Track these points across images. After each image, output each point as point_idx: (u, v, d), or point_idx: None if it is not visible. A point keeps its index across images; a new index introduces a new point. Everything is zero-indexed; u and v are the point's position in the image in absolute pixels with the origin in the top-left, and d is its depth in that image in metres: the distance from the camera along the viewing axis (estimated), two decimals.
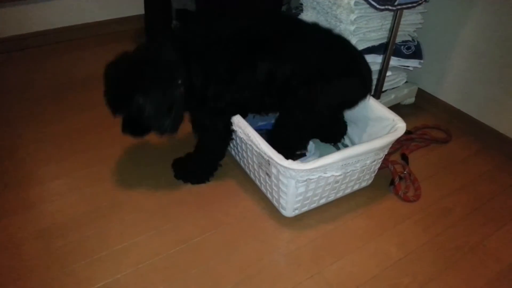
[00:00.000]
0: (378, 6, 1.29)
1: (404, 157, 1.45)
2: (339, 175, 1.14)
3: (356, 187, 1.30)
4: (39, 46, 2.06)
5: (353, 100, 1.26)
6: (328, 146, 1.45)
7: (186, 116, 1.18)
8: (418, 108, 1.76)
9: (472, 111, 1.62)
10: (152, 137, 1.22)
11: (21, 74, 1.86)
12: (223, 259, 1.10)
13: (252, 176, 1.32)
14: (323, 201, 1.24)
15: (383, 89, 1.60)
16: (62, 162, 1.37)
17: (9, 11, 1.96)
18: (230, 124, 1.23)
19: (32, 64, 1.93)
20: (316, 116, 1.19)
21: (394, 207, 1.29)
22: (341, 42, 1.25)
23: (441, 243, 1.18)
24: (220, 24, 1.18)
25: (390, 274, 1.09)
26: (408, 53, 1.58)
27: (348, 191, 1.29)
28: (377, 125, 1.30)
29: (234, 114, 1.22)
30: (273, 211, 1.24)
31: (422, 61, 1.61)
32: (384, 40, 1.48)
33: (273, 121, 1.30)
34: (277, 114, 1.27)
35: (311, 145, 1.40)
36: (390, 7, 1.30)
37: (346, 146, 1.46)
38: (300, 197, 1.15)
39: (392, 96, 1.67)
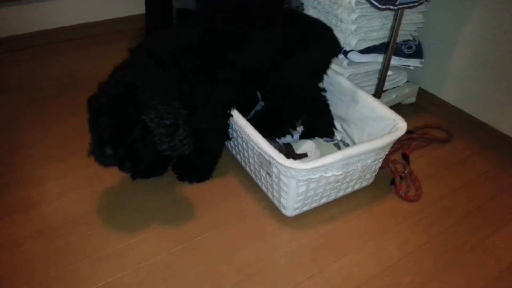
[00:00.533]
0: (379, 5, 1.29)
1: (405, 157, 1.44)
2: (340, 175, 1.14)
3: (357, 187, 1.30)
4: (40, 46, 2.06)
5: (324, 64, 1.35)
6: (329, 146, 1.45)
7: None
8: (419, 108, 1.76)
9: (473, 111, 1.62)
10: None
11: (22, 73, 1.86)
12: (224, 258, 1.10)
13: (253, 175, 1.32)
14: (324, 200, 1.24)
15: (384, 89, 1.60)
16: (63, 161, 1.37)
17: (11, 11, 1.96)
18: (227, 123, 1.25)
19: (33, 64, 1.93)
20: (296, 86, 1.28)
21: (394, 207, 1.28)
22: (297, 19, 1.31)
23: (441, 243, 1.18)
24: (186, 28, 1.16)
25: (391, 274, 1.09)
26: (409, 52, 1.58)
27: (349, 190, 1.29)
28: (378, 125, 1.30)
29: (227, 111, 1.23)
30: (274, 210, 1.24)
31: (423, 60, 1.61)
32: (385, 40, 1.48)
33: None
34: None
35: (311, 145, 1.40)
36: (391, 7, 1.30)
37: (347, 145, 1.46)
38: (301, 197, 1.15)
39: (393, 96, 1.67)
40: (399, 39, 1.54)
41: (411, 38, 1.59)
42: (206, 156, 1.31)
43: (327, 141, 1.46)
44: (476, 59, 1.55)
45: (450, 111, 1.68)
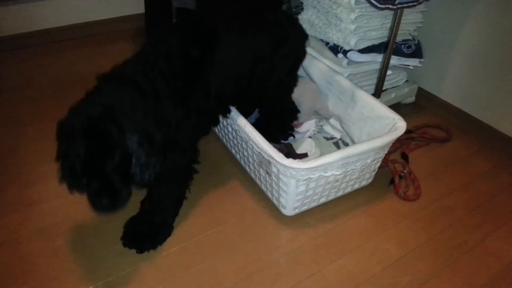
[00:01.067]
0: (378, 5, 1.29)
1: (404, 156, 1.45)
2: (340, 174, 1.14)
3: (356, 186, 1.30)
4: (40, 45, 2.06)
5: (301, 55, 1.35)
6: (329, 145, 1.45)
7: None
8: (418, 107, 1.76)
9: (472, 110, 1.62)
10: None
11: (22, 72, 1.86)
12: (223, 257, 1.10)
13: (252, 174, 1.32)
14: (323, 200, 1.24)
15: (384, 88, 1.60)
16: None
17: (11, 10, 1.95)
18: (194, 161, 1.16)
19: (33, 63, 1.93)
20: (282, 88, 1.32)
21: (394, 206, 1.29)
22: (262, 20, 1.24)
23: (441, 242, 1.18)
24: (151, 53, 1.04)
25: (390, 273, 1.09)
26: (408, 52, 1.58)
27: (348, 190, 1.29)
28: (377, 124, 1.30)
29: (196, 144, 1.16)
30: (273, 210, 1.24)
31: (422, 60, 1.61)
32: (385, 39, 1.48)
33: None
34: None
35: (311, 144, 1.41)
36: (390, 6, 1.30)
37: (346, 145, 1.46)
38: (300, 196, 1.15)
39: (393, 95, 1.67)
40: (399, 38, 1.54)
41: (410, 37, 1.59)
42: (164, 212, 1.14)
43: (327, 139, 1.46)
44: (475, 58, 1.55)
45: (450, 110, 1.68)
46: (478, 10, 1.49)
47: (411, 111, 1.73)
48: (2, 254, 1.07)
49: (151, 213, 1.11)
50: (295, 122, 1.44)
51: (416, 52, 1.59)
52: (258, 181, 1.30)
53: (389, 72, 1.54)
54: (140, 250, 1.09)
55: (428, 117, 1.70)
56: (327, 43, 1.57)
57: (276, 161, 1.06)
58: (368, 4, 1.31)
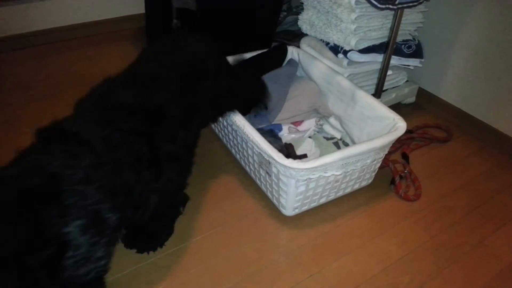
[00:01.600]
0: (379, 5, 1.29)
1: (405, 156, 1.44)
2: (340, 174, 1.14)
3: (356, 186, 1.30)
4: (39, 45, 2.06)
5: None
6: (329, 145, 1.45)
7: None
8: (419, 107, 1.76)
9: (472, 110, 1.62)
10: None
11: (22, 72, 1.86)
12: (223, 258, 1.10)
13: (252, 175, 1.32)
14: (323, 200, 1.24)
15: (384, 88, 1.60)
16: None
17: (11, 10, 1.96)
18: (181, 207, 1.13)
19: (32, 63, 1.93)
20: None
21: (394, 206, 1.29)
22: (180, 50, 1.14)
23: (441, 242, 1.18)
24: (109, 106, 0.90)
25: (390, 273, 1.09)
26: (408, 52, 1.58)
27: (349, 190, 1.29)
28: (377, 124, 1.30)
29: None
30: (273, 210, 1.24)
31: (422, 60, 1.61)
32: (385, 39, 1.48)
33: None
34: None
35: (311, 144, 1.41)
36: (391, 6, 1.30)
37: (346, 145, 1.46)
38: (300, 196, 1.15)
39: (393, 95, 1.67)
40: (399, 38, 1.54)
41: (411, 37, 1.58)
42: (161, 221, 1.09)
43: (327, 139, 1.46)
44: (476, 58, 1.55)
45: (450, 110, 1.68)
46: (478, 10, 1.49)
47: (412, 111, 1.73)
48: None
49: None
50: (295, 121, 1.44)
51: (417, 52, 1.59)
52: (258, 181, 1.30)
53: (389, 72, 1.54)
54: (140, 251, 1.09)
55: (428, 117, 1.70)
56: (327, 43, 1.57)
57: (276, 161, 1.06)
58: (369, 4, 1.31)
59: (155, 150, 0.90)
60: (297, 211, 1.21)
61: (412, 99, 1.77)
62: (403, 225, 1.22)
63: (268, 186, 1.23)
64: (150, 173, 0.88)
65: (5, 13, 1.95)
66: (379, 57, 1.50)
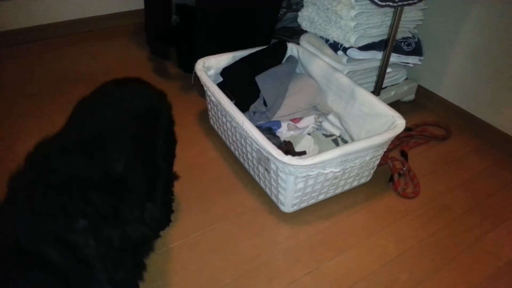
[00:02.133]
0: (379, 2, 1.28)
1: (404, 154, 1.45)
2: (338, 171, 1.14)
3: (355, 184, 1.30)
4: (38, 41, 2.05)
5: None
6: (328, 142, 1.45)
7: None
8: (418, 105, 1.76)
9: (471, 108, 1.62)
10: None
11: (21, 68, 1.85)
12: (222, 254, 1.10)
13: (251, 171, 1.32)
14: (322, 197, 1.24)
15: (383, 86, 1.60)
16: None
17: (9, 5, 1.95)
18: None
19: (32, 59, 1.93)
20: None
21: (393, 204, 1.29)
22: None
23: (439, 240, 1.18)
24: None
25: (388, 270, 1.09)
26: (408, 49, 1.57)
27: (347, 187, 1.29)
28: (376, 122, 1.30)
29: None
30: (272, 206, 1.24)
31: (422, 58, 1.61)
32: (385, 37, 1.48)
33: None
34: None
35: (310, 141, 1.40)
36: (391, 4, 1.30)
37: (345, 142, 1.46)
38: (299, 193, 1.15)
39: (392, 93, 1.67)
40: (399, 36, 1.53)
41: (410, 35, 1.58)
42: None
43: (326, 137, 1.46)
44: (475, 57, 1.55)
45: (449, 108, 1.68)
46: (478, 8, 1.48)
47: (411, 109, 1.73)
48: None
49: None
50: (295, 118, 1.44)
51: (416, 50, 1.59)
52: (257, 178, 1.30)
53: (388, 69, 1.54)
54: None
55: (427, 115, 1.70)
56: (327, 40, 1.57)
57: (275, 158, 1.06)
58: (368, 1, 1.31)
59: (125, 235, 0.76)
60: (295, 208, 1.21)
61: (411, 96, 1.77)
62: (401, 223, 1.23)
63: (267, 182, 1.23)
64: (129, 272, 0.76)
65: (3, 8, 1.94)
66: (378, 55, 1.50)
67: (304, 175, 1.08)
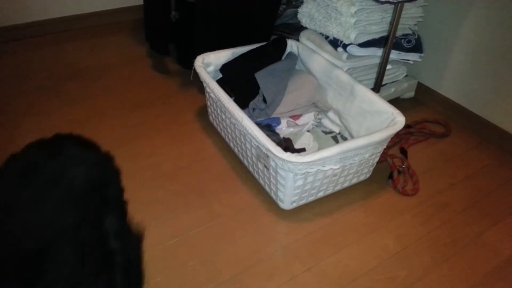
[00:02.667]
0: None
1: (403, 151, 1.44)
2: (338, 169, 1.14)
3: (354, 181, 1.30)
4: (37, 36, 2.04)
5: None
6: (327, 139, 1.44)
7: None
8: (418, 102, 1.76)
9: (471, 106, 1.62)
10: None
11: (19, 64, 1.85)
12: (221, 251, 1.10)
13: (250, 168, 1.32)
14: (321, 194, 1.24)
15: (383, 83, 1.59)
16: None
17: (6, 0, 1.94)
18: None
19: (29, 55, 1.92)
20: None
21: (392, 201, 1.29)
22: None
23: (438, 237, 1.18)
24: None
25: (387, 267, 1.09)
26: (408, 46, 1.57)
27: (346, 184, 1.29)
28: (376, 119, 1.30)
29: None
30: (271, 203, 1.24)
31: (422, 55, 1.61)
32: (385, 33, 1.47)
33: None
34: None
35: (309, 138, 1.40)
36: (391, 0, 1.29)
37: (345, 139, 1.46)
38: (298, 190, 1.15)
39: (392, 90, 1.67)
40: (399, 33, 1.53)
41: (410, 32, 1.58)
42: None
43: (325, 133, 1.46)
44: (475, 54, 1.54)
45: (449, 105, 1.68)
46: (478, 5, 1.48)
47: (410, 106, 1.72)
48: None
49: None
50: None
51: (416, 47, 1.58)
52: (256, 175, 1.30)
53: (388, 66, 1.54)
54: None
55: (427, 112, 1.70)
56: (326, 37, 1.56)
57: (274, 155, 1.06)
58: None
59: None
60: (295, 205, 1.21)
61: (411, 93, 1.77)
62: (400, 220, 1.23)
63: (266, 179, 1.22)
64: None
65: (1, 3, 1.93)
66: (378, 51, 1.50)
67: (303, 172, 1.08)
